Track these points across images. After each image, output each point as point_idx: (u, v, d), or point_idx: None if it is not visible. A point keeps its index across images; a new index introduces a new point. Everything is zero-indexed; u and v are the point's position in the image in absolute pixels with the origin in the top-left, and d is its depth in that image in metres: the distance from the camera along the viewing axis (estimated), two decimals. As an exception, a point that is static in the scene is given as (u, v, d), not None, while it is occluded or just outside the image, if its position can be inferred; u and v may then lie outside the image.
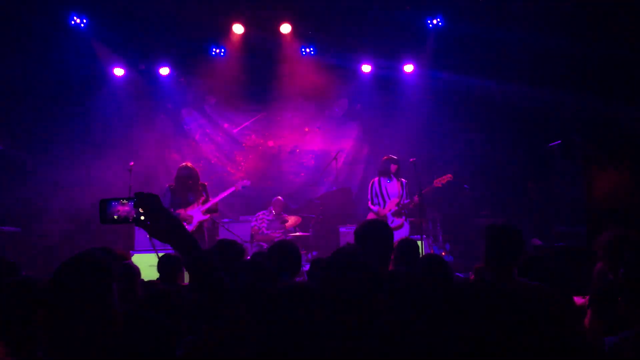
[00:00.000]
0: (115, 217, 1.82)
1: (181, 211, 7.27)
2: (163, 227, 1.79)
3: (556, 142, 8.34)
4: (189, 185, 7.33)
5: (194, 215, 7.29)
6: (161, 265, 4.91)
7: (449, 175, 8.11)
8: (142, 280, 5.00)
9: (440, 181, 8.08)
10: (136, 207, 1.80)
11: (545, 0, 8.79)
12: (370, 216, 8.32)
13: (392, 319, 2.04)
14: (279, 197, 9.58)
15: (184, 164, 7.55)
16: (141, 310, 2.82)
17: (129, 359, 2.18)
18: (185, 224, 7.20)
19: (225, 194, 7.86)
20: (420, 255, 5.65)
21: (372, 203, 8.28)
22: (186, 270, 1.83)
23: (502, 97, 9.78)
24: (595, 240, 3.89)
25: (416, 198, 7.75)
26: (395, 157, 8.34)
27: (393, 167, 8.26)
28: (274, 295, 2.08)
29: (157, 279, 4.88)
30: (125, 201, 1.81)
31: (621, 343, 2.29)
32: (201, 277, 1.78)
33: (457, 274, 6.37)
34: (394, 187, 8.24)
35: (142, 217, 1.80)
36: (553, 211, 8.93)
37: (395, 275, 2.79)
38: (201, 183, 7.55)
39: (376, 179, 8.34)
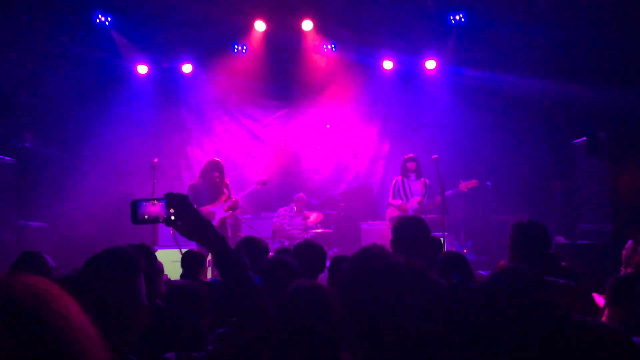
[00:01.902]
0: (146, 217, 1.85)
1: (203, 209, 7.32)
2: (193, 226, 1.83)
3: (581, 139, 8.22)
4: (215, 179, 7.37)
5: (217, 212, 7.36)
6: (184, 260, 4.98)
7: (475, 180, 8.13)
8: (167, 278, 5.07)
9: (466, 186, 8.11)
10: (167, 207, 1.83)
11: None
12: (391, 211, 8.35)
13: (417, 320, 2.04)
14: (302, 194, 9.59)
15: (211, 158, 7.65)
16: (167, 305, 2.87)
17: (155, 350, 2.22)
18: (207, 221, 7.25)
19: (246, 191, 7.95)
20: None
21: (394, 199, 8.33)
22: (216, 268, 1.87)
23: (526, 93, 9.67)
24: (624, 240, 3.83)
25: (438, 198, 7.73)
26: (411, 155, 8.37)
27: (411, 166, 8.30)
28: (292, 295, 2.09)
29: (181, 274, 4.94)
30: (156, 201, 1.85)
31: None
32: (231, 276, 1.82)
33: (480, 271, 6.33)
34: (417, 186, 8.28)
35: (173, 217, 1.83)
36: (577, 209, 8.81)
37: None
38: (225, 182, 7.63)
39: (399, 177, 8.41)
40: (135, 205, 1.85)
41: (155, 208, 1.84)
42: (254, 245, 4.07)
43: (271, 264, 2.97)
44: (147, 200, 1.86)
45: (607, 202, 7.62)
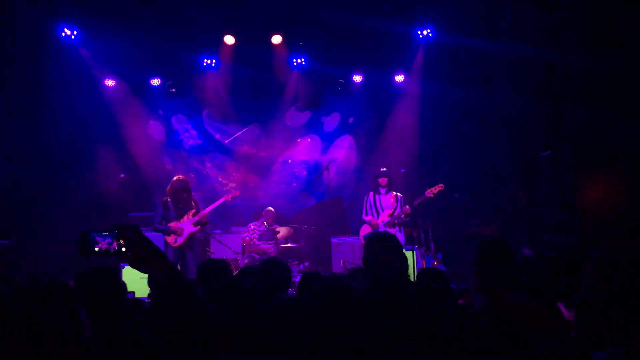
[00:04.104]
0: (97, 249, 1.80)
1: (172, 224, 7.25)
2: (144, 258, 1.79)
3: (546, 152, 8.40)
4: (182, 198, 7.32)
5: (185, 227, 7.28)
6: (151, 280, 4.89)
7: (441, 185, 8.16)
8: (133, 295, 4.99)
9: (432, 191, 8.14)
10: (117, 239, 1.79)
11: (533, 12, 8.87)
12: (365, 228, 8.39)
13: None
14: (270, 207, 9.57)
15: (178, 176, 7.56)
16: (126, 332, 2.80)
17: None
18: (175, 236, 7.21)
19: (214, 205, 7.88)
20: (410, 265, 5.67)
21: (366, 215, 8.37)
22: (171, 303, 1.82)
23: (493, 107, 9.85)
24: (585, 254, 3.90)
25: (407, 208, 7.78)
26: (383, 171, 8.42)
27: (382, 181, 8.35)
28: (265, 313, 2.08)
29: (149, 293, 4.86)
30: (106, 233, 1.81)
31: (611, 359, 2.29)
32: (185, 311, 1.77)
33: (451, 285, 6.38)
34: (388, 201, 8.31)
35: (123, 249, 1.79)
36: (543, 220, 8.98)
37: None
38: (193, 199, 7.56)
39: (371, 193, 8.45)
40: (84, 237, 1.80)
41: (106, 240, 1.80)
42: (210, 271, 4.03)
43: (222, 288, 2.92)
44: (97, 231, 1.81)
45: (571, 214, 7.79)
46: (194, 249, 7.44)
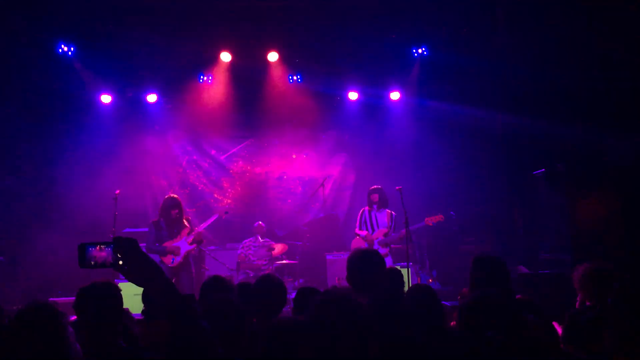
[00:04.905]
0: (93, 262, 1.81)
1: (167, 244, 7.20)
2: (141, 272, 1.79)
3: (540, 171, 8.45)
4: (174, 216, 7.29)
5: (181, 246, 7.24)
6: (146, 295, 4.85)
7: (441, 215, 8.24)
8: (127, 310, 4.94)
9: (432, 220, 8.23)
10: (114, 252, 1.80)
11: (527, 31, 8.98)
12: (357, 241, 8.37)
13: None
14: (261, 222, 9.52)
15: (169, 195, 7.58)
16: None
17: None
18: (172, 256, 7.17)
19: (208, 222, 7.86)
20: (405, 282, 5.66)
21: (360, 229, 8.36)
22: (166, 318, 1.82)
23: (487, 126, 9.91)
24: (575, 272, 3.92)
25: (403, 231, 7.77)
26: (375, 187, 8.44)
27: (374, 197, 8.35)
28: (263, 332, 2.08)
29: (142, 310, 4.82)
30: (103, 246, 1.82)
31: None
32: (181, 326, 1.77)
33: (444, 302, 6.37)
34: (383, 218, 8.31)
35: (120, 262, 1.79)
36: (538, 238, 8.99)
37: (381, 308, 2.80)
38: (185, 217, 7.54)
39: (366, 207, 8.46)
40: (82, 249, 1.82)
41: (102, 253, 1.81)
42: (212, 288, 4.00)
43: (211, 305, 2.90)
44: (95, 244, 1.83)
45: (566, 232, 7.81)
46: (189, 267, 7.40)
